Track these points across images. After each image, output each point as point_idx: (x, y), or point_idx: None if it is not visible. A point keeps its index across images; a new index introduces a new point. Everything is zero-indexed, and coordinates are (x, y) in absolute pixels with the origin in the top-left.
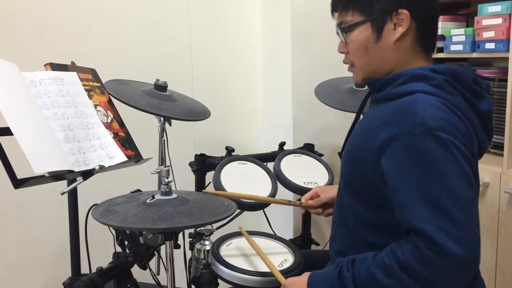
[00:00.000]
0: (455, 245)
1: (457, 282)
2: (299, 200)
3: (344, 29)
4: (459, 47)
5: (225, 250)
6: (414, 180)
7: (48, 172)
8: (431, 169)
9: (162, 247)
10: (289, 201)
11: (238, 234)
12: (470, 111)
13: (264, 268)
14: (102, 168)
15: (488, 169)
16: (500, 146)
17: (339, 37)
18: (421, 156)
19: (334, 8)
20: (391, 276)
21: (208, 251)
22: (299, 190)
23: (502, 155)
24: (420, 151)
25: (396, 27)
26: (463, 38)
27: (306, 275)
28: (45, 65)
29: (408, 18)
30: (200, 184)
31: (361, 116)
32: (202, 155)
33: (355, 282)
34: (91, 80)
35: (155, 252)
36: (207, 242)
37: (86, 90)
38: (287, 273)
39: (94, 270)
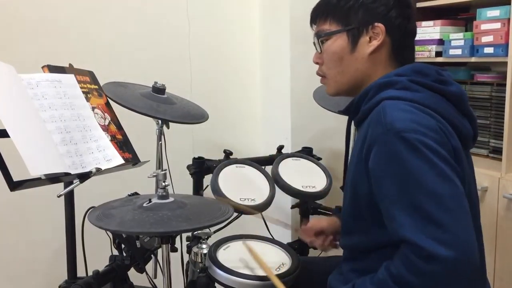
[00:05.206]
0: (444, 248)
1: (456, 287)
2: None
3: (321, 36)
4: (458, 52)
5: (222, 254)
6: (392, 187)
7: (45, 175)
8: (404, 173)
9: (159, 250)
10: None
11: (235, 237)
12: (441, 102)
13: (261, 273)
14: (99, 171)
15: (486, 173)
16: (498, 151)
17: (315, 47)
18: (393, 161)
19: (313, 19)
20: None
21: (205, 254)
22: (297, 194)
23: (500, 159)
24: (391, 156)
25: (371, 40)
26: (462, 42)
27: None
28: (42, 67)
29: (383, 32)
30: (197, 187)
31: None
32: (200, 158)
33: None
34: (89, 82)
35: (152, 255)
36: (204, 246)
37: (83, 92)
38: (284, 277)
39: (90, 273)
